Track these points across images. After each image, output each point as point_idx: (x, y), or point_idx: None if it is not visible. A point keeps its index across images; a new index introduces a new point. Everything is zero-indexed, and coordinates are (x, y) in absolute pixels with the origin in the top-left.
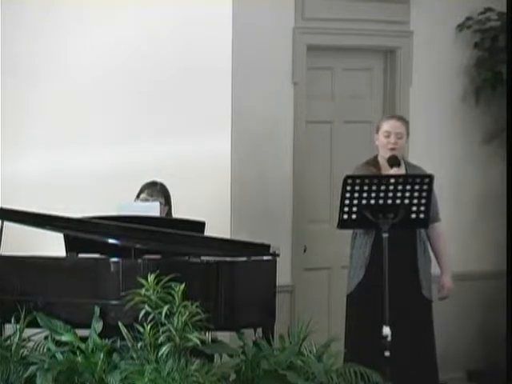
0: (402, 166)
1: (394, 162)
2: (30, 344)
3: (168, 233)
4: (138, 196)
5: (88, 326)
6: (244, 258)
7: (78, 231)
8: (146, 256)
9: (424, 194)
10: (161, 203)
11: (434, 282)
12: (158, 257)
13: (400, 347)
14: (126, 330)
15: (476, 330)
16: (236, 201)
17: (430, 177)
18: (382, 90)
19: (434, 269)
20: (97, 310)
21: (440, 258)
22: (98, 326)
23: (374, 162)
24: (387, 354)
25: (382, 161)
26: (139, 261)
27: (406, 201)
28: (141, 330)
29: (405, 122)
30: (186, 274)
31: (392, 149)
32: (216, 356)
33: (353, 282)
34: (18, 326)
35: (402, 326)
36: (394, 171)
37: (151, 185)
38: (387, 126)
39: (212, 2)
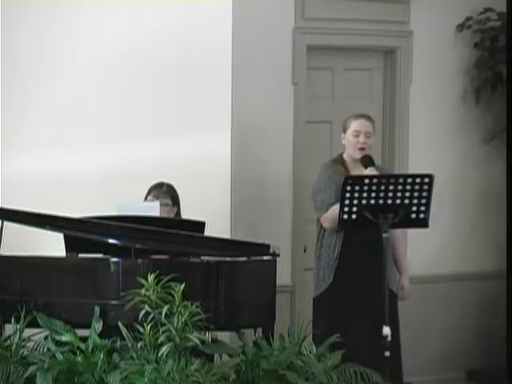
0: None
1: (368, 161)
2: (30, 344)
3: (168, 233)
4: (145, 198)
5: (88, 326)
6: (244, 258)
7: (78, 231)
8: (154, 256)
9: (424, 194)
10: (167, 204)
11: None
12: (165, 257)
13: (368, 343)
14: (125, 330)
15: (476, 330)
16: (236, 201)
17: (430, 177)
18: (381, 90)
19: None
20: (97, 310)
21: (399, 259)
22: (97, 326)
23: (341, 160)
24: (387, 353)
25: (349, 160)
26: (139, 261)
27: (406, 201)
28: (141, 330)
29: (372, 121)
30: (186, 273)
31: (361, 148)
32: (216, 356)
33: (323, 283)
34: (18, 326)
35: (370, 322)
36: (369, 171)
37: (158, 186)
38: (356, 125)
39: (212, 1)
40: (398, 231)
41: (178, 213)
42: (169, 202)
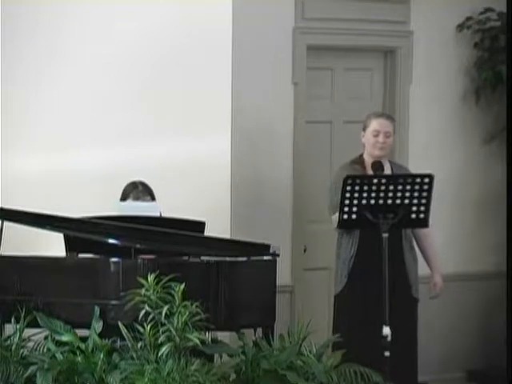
0: (388, 166)
1: (377, 167)
2: (30, 344)
3: (168, 233)
4: (124, 200)
5: (88, 326)
6: (244, 258)
7: (77, 231)
8: (141, 256)
9: (424, 194)
10: (148, 201)
11: (422, 283)
12: (152, 256)
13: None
14: (125, 330)
15: (476, 330)
16: (236, 201)
17: (430, 177)
18: (382, 90)
19: (423, 270)
20: (97, 310)
21: (429, 257)
22: (97, 326)
23: (360, 160)
24: (387, 353)
25: (368, 159)
26: (139, 261)
27: (406, 201)
28: (141, 329)
29: (392, 120)
30: (186, 273)
31: (381, 148)
32: (216, 356)
33: (341, 281)
34: (17, 326)
35: (390, 326)
36: None
37: (133, 188)
38: (376, 124)
39: (212, 1)
40: (426, 229)
41: None
42: (148, 198)
